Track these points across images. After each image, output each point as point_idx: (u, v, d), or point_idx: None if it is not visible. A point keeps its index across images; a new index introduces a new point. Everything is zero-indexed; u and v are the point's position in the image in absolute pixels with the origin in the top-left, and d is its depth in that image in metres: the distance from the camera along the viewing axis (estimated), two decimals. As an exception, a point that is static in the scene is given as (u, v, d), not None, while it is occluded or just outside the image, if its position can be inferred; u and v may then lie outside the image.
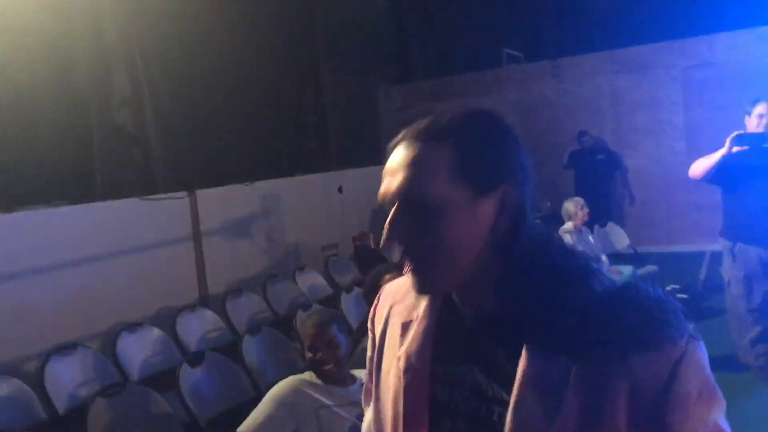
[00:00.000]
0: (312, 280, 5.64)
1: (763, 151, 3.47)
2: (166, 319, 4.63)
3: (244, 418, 2.24)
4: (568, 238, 5.41)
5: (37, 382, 3.53)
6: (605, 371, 0.75)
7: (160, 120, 5.70)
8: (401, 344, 0.93)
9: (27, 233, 4.42)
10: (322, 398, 2.18)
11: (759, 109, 3.59)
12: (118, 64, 5.35)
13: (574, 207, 5.55)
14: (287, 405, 2.15)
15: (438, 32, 10.87)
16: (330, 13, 8.40)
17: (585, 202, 5.62)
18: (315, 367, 2.26)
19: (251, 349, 3.58)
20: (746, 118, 3.67)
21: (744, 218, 3.63)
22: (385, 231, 0.83)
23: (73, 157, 5.19)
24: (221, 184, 6.12)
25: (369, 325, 1.08)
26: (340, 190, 7.93)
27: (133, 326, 4.22)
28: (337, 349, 2.26)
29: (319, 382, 2.25)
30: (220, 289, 5.73)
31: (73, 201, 5.04)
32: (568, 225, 5.55)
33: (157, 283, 5.28)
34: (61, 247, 4.67)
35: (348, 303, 4.54)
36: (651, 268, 5.88)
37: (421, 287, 0.85)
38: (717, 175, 3.58)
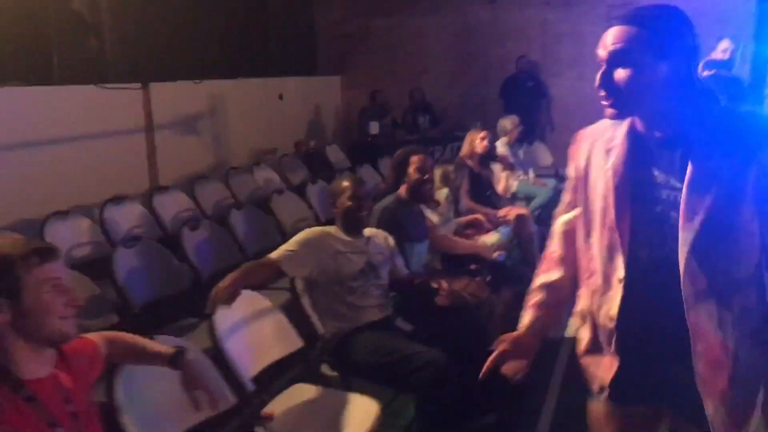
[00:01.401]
0: (267, 175, 5.95)
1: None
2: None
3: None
4: (502, 151, 5.95)
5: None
6: (738, 164, 1.29)
7: (114, 9, 5.64)
8: (606, 162, 1.45)
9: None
10: (340, 246, 2.69)
11: (723, 44, 4.56)
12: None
13: (510, 125, 6.06)
14: (312, 245, 2.63)
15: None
16: None
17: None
18: (349, 214, 2.74)
19: (239, 221, 3.99)
20: (713, 52, 4.61)
21: None
22: (598, 79, 1.36)
23: (30, 40, 5.11)
24: (171, 78, 6.17)
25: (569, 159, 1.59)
26: (280, 97, 8.10)
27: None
28: (367, 201, 2.81)
29: (339, 233, 2.75)
30: (170, 182, 5.89)
31: (30, 83, 5.00)
32: (503, 140, 6.07)
33: (109, 170, 5.38)
34: (16, 128, 4.68)
35: (312, 194, 4.98)
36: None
37: (616, 113, 1.37)
38: None
